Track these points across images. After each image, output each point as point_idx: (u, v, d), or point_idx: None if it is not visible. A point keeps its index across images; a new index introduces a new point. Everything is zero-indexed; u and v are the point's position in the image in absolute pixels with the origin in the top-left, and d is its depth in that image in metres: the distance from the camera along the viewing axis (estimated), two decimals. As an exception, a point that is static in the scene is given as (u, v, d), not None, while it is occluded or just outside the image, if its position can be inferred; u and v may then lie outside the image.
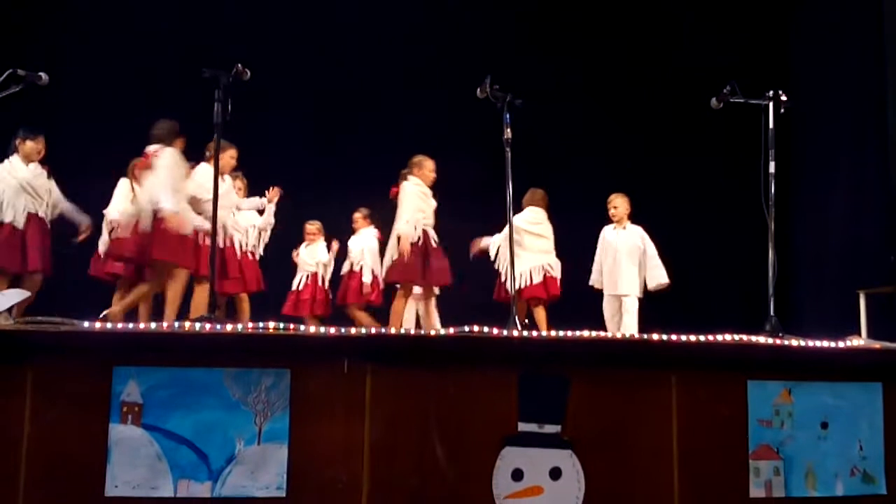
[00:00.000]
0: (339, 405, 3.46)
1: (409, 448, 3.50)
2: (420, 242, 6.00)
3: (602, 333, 3.82)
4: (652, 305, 6.46)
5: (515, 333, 3.91)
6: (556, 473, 3.54)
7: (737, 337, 3.88)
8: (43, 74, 4.78)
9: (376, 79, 8.12)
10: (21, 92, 4.68)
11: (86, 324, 3.41)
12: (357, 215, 7.40)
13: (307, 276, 7.34)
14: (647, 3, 8.51)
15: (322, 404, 3.43)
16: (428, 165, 6.23)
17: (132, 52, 7.68)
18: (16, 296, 3.70)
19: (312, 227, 7.44)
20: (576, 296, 6.62)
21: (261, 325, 3.58)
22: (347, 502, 3.39)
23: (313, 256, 7.40)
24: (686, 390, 3.74)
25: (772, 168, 4.62)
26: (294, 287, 7.35)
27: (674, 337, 3.75)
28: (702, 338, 3.77)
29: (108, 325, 3.41)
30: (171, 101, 6.70)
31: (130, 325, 3.52)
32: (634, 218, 6.68)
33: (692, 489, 3.67)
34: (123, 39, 7.72)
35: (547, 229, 6.64)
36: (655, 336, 3.75)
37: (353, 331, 3.66)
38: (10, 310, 3.61)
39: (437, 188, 6.29)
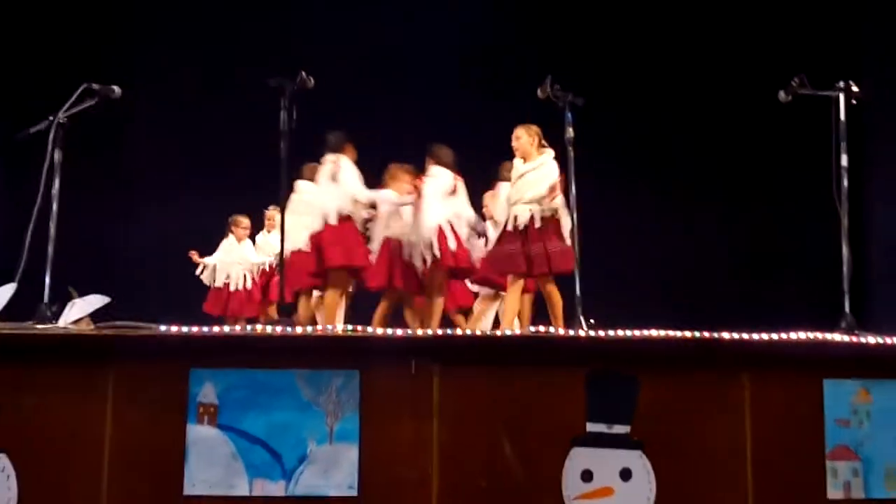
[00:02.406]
0: (407, 405, 3.50)
1: (477, 448, 3.51)
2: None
3: (671, 332, 3.75)
4: (723, 302, 6.35)
5: (583, 333, 3.88)
6: (626, 474, 3.50)
7: (811, 335, 3.78)
8: (116, 88, 4.95)
9: (436, 82, 8.17)
10: (95, 106, 4.85)
11: (163, 327, 3.53)
12: None
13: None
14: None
15: (391, 405, 3.48)
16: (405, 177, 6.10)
17: (200, 62, 7.89)
18: (96, 301, 3.85)
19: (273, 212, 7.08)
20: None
21: (330, 326, 3.65)
22: (418, 502, 3.42)
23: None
24: (759, 390, 3.67)
25: (844, 161, 4.49)
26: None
27: (745, 335, 3.67)
28: (774, 336, 3.69)
29: (185, 329, 3.51)
30: (237, 111, 6.86)
31: (206, 328, 3.62)
32: (707, 211, 6.47)
33: (767, 491, 3.59)
34: (192, 51, 7.94)
35: None
36: (727, 334, 3.68)
37: (419, 332, 3.70)
38: (91, 315, 3.75)
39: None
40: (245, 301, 7.16)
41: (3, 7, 8.33)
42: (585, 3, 8.41)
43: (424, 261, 5.75)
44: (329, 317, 5.56)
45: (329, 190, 5.68)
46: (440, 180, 5.88)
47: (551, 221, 5.43)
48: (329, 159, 5.80)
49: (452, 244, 5.72)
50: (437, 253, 5.72)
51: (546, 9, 8.33)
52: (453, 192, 5.86)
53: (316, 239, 5.64)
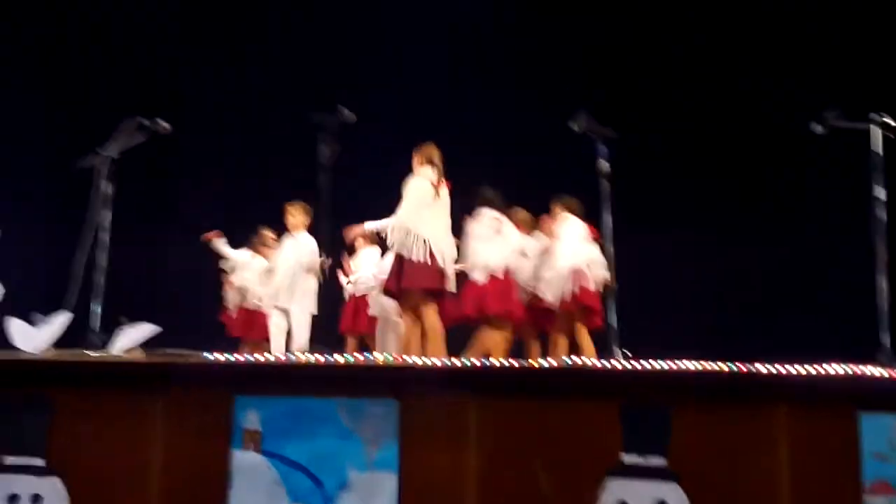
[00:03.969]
0: (445, 435, 3.56)
1: (514, 478, 3.56)
2: None
3: (707, 364, 3.78)
4: (759, 335, 6.32)
5: (618, 364, 3.93)
6: (661, 505, 3.52)
7: (848, 368, 3.78)
8: (164, 123, 5.14)
9: (470, 114, 8.29)
10: (146, 141, 5.04)
11: (209, 356, 3.64)
12: None
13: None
14: (744, 28, 8.41)
15: (429, 434, 3.54)
16: None
17: (244, 98, 8.11)
18: (147, 330, 3.98)
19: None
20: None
21: (370, 356, 3.74)
22: (456, 530, 3.47)
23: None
24: (796, 423, 3.67)
25: (881, 194, 4.50)
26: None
27: (782, 368, 3.69)
28: (811, 369, 3.70)
29: (231, 357, 3.62)
30: (280, 145, 7.04)
31: (250, 357, 3.73)
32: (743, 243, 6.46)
33: (805, 524, 3.59)
34: (236, 86, 8.16)
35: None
36: (762, 367, 3.70)
37: (457, 362, 3.77)
38: (141, 343, 3.88)
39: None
40: None
41: (58, 45, 8.66)
42: (620, 38, 8.50)
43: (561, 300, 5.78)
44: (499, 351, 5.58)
45: (493, 243, 5.63)
46: (577, 226, 5.97)
47: None
48: (489, 214, 5.71)
49: (591, 287, 5.73)
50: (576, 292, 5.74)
51: (581, 42, 8.44)
52: (587, 239, 5.92)
53: (477, 289, 5.53)
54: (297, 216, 6.27)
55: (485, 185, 5.90)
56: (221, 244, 6.77)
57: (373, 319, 6.42)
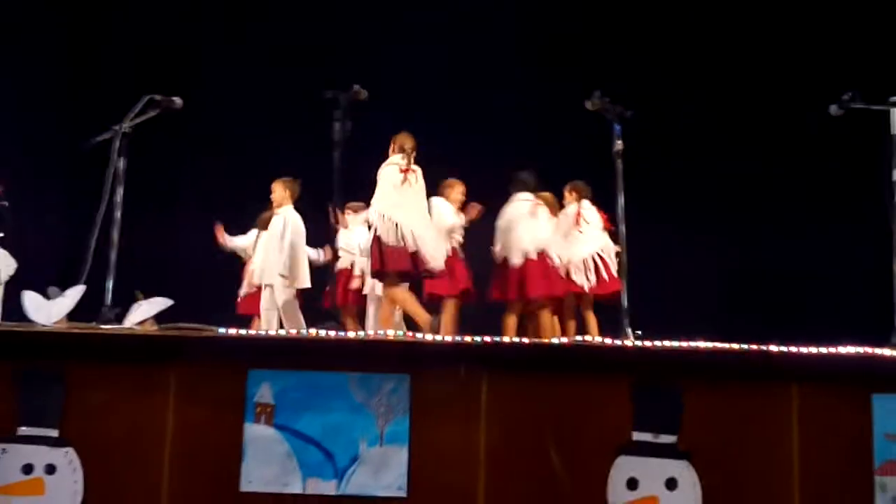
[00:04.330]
0: (456, 410, 3.58)
1: (524, 454, 3.58)
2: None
3: (719, 344, 3.78)
4: (771, 315, 6.30)
5: (629, 343, 3.93)
6: (671, 484, 3.53)
7: (860, 349, 3.77)
8: (177, 99, 5.14)
9: (485, 91, 8.26)
10: (158, 116, 5.05)
11: (222, 330, 3.67)
12: None
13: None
14: (760, 9, 8.33)
15: (440, 409, 3.56)
16: (458, 188, 6.27)
17: (256, 74, 8.11)
18: (160, 304, 4.01)
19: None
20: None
21: (381, 331, 3.75)
22: (465, 504, 3.49)
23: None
24: (807, 403, 3.67)
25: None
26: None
27: (794, 349, 3.68)
28: (823, 350, 3.69)
29: (243, 331, 3.64)
30: (292, 122, 7.03)
31: (263, 332, 3.75)
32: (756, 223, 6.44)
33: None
34: (248, 63, 8.15)
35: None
36: (775, 347, 3.69)
37: (468, 339, 3.78)
38: (154, 316, 3.91)
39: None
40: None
41: (72, 22, 8.66)
42: (634, 16, 8.43)
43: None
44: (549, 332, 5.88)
45: (529, 226, 5.93)
46: (593, 213, 6.26)
47: None
48: (525, 198, 6.03)
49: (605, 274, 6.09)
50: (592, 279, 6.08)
51: (595, 21, 8.38)
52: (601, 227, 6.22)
53: (518, 270, 5.84)
54: (277, 192, 6.36)
55: (521, 170, 6.14)
56: (229, 241, 6.83)
57: (358, 293, 6.56)
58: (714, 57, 8.17)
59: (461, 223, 6.23)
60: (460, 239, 6.32)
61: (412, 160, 5.54)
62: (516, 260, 5.84)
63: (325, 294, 6.28)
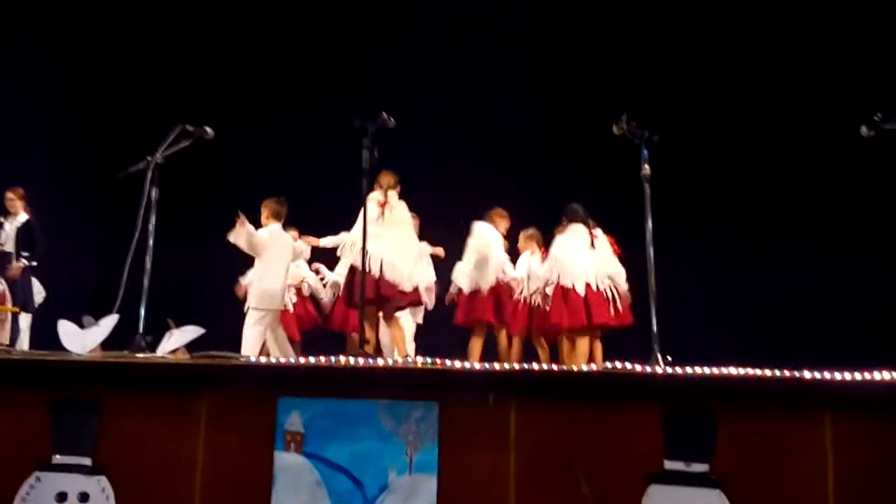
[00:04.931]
0: (485, 438, 3.56)
1: (554, 482, 3.54)
2: None
3: (751, 370, 3.73)
4: (804, 341, 6.22)
5: (659, 369, 3.89)
6: (704, 513, 3.47)
7: (894, 375, 3.69)
8: (209, 129, 5.23)
9: (510, 118, 8.30)
10: (190, 147, 5.14)
11: (252, 358, 3.69)
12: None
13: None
14: (789, 29, 8.29)
15: (469, 437, 3.54)
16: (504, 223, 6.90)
17: (286, 104, 8.22)
18: (192, 332, 4.05)
19: None
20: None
21: (409, 359, 3.75)
22: (495, 533, 3.47)
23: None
24: (842, 431, 3.59)
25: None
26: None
27: (828, 374, 3.62)
28: (858, 376, 3.62)
29: (272, 360, 3.66)
30: (320, 150, 7.12)
31: (292, 359, 3.77)
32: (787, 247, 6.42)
33: (851, 534, 3.51)
34: (277, 93, 8.28)
35: None
36: (808, 373, 3.63)
37: (497, 366, 3.77)
38: (186, 345, 3.96)
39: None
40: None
41: (103, 54, 8.85)
42: (661, 40, 8.44)
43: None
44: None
45: (589, 256, 6.31)
46: (604, 240, 6.52)
47: None
48: (580, 230, 6.39)
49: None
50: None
51: (621, 46, 8.40)
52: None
53: (581, 298, 6.21)
54: (262, 212, 6.55)
55: (572, 204, 6.43)
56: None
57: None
58: (742, 80, 8.15)
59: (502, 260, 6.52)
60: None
61: (388, 196, 5.99)
62: (580, 288, 6.15)
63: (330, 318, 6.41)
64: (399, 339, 6.10)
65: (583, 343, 6.30)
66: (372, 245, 5.49)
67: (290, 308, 7.15)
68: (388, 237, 5.84)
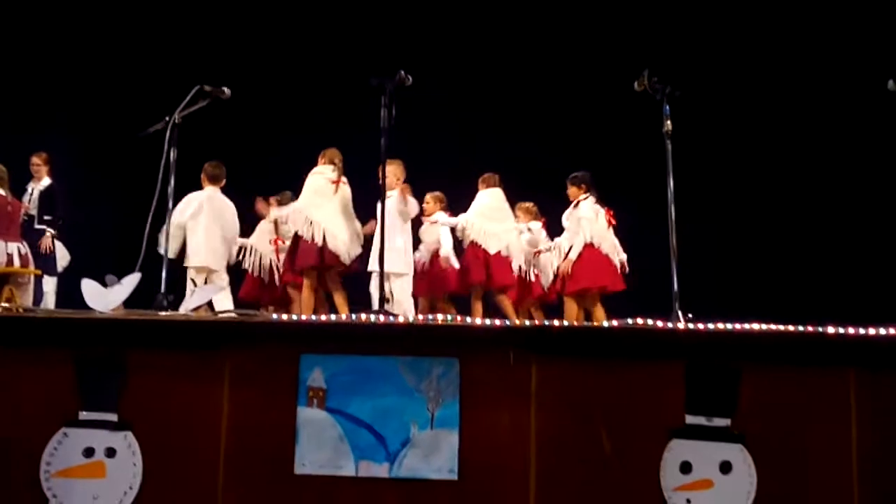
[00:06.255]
0: (506, 394, 3.57)
1: (575, 438, 3.56)
2: None
3: (774, 326, 3.71)
4: (829, 296, 6.17)
5: (681, 325, 3.88)
6: (726, 467, 3.49)
7: (921, 330, 3.66)
8: (226, 89, 5.21)
9: (532, 75, 8.21)
10: (207, 106, 5.13)
11: (274, 315, 3.71)
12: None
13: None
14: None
15: (490, 393, 3.56)
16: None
17: (301, 63, 8.17)
18: (213, 290, 4.08)
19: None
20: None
21: (430, 316, 3.76)
22: (517, 489, 3.50)
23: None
24: (865, 387, 3.58)
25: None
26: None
27: (852, 330, 3.59)
28: (882, 331, 3.59)
29: (295, 317, 3.68)
30: (338, 109, 7.08)
31: (314, 317, 3.79)
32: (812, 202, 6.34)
33: (873, 491, 3.50)
34: (293, 52, 8.23)
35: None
36: (832, 329, 3.61)
37: (517, 322, 3.77)
38: (208, 302, 3.98)
39: (596, 179, 6.35)
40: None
41: (118, 16, 8.82)
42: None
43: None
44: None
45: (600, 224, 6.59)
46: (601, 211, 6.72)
47: None
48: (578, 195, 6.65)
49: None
50: None
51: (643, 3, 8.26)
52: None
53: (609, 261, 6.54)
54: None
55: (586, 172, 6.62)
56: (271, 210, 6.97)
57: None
58: (766, 34, 7.99)
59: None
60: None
61: (341, 172, 6.31)
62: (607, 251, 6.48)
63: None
64: (342, 304, 6.23)
65: (599, 307, 6.52)
66: (317, 215, 6.04)
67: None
68: (333, 210, 6.19)
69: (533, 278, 7.17)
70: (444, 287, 7.03)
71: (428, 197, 7.15)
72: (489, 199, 6.95)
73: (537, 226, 7.33)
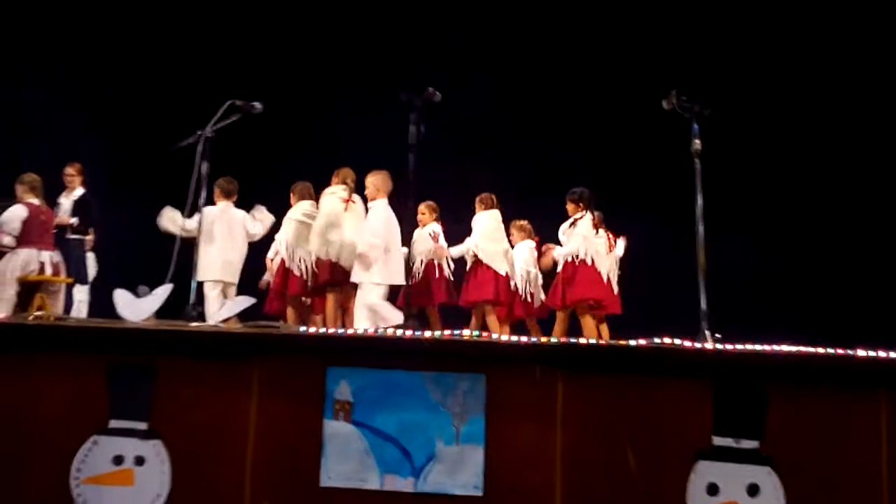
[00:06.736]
0: (532, 411, 3.57)
1: (600, 456, 3.54)
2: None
3: (803, 348, 3.67)
4: (858, 319, 6.09)
5: (708, 345, 3.85)
6: (753, 490, 3.45)
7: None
8: (257, 104, 5.29)
9: (560, 92, 8.22)
10: (239, 121, 5.20)
11: (302, 328, 3.74)
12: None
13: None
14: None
15: (516, 409, 3.56)
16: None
17: (330, 79, 8.26)
18: (244, 302, 4.12)
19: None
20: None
21: (456, 332, 3.77)
22: (541, 506, 3.48)
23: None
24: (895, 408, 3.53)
25: None
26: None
27: (882, 353, 3.55)
28: (913, 354, 3.55)
29: (321, 330, 3.71)
30: (367, 124, 7.14)
31: (341, 330, 3.81)
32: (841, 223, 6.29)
33: (905, 515, 3.45)
34: (323, 68, 8.31)
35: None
36: (861, 351, 3.57)
37: (543, 339, 3.77)
38: (238, 315, 4.03)
39: (624, 198, 6.32)
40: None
41: (153, 29, 8.97)
42: (711, 12, 8.27)
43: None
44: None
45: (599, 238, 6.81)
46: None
47: None
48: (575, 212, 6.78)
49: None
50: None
51: (671, 18, 8.25)
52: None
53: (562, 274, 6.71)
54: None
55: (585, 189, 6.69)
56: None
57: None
58: (796, 51, 7.94)
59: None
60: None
61: (352, 190, 6.48)
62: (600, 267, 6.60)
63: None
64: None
65: (604, 327, 6.73)
66: (333, 235, 6.25)
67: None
68: (348, 229, 6.34)
69: (529, 298, 7.23)
70: (436, 297, 7.05)
71: (422, 207, 7.19)
72: (490, 221, 7.11)
73: (530, 244, 7.36)
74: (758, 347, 3.65)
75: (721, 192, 6.50)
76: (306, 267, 6.54)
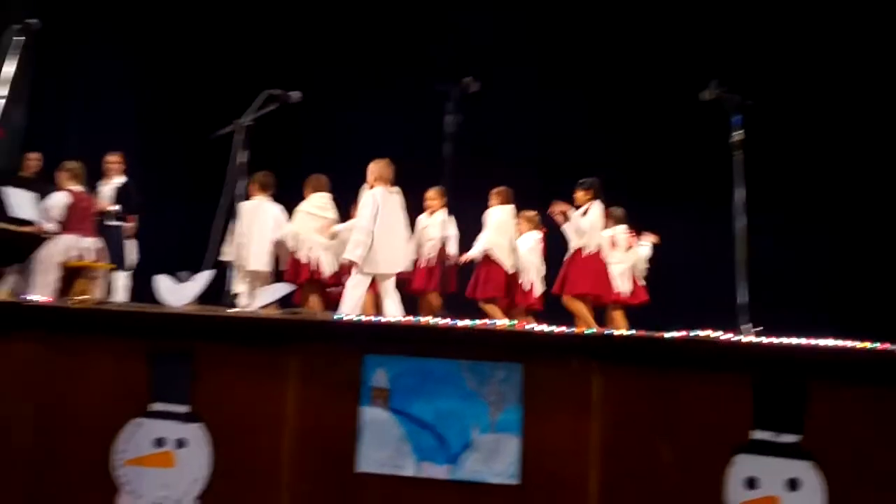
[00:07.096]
0: (568, 401, 3.56)
1: (637, 448, 3.52)
2: None
3: (844, 342, 3.61)
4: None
5: (747, 338, 3.81)
6: (793, 484, 3.40)
7: None
8: (294, 93, 5.33)
9: (599, 81, 8.16)
10: (277, 110, 5.25)
11: (337, 315, 3.77)
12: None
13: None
14: None
15: (552, 399, 3.55)
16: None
17: (369, 68, 8.28)
18: (283, 289, 4.16)
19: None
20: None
21: (491, 321, 3.77)
22: (578, 497, 3.48)
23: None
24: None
25: None
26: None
27: (926, 348, 3.48)
28: (958, 349, 3.47)
29: (358, 317, 3.73)
30: (404, 114, 7.15)
31: (377, 318, 3.84)
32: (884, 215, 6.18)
33: (949, 514, 3.39)
34: (360, 56, 8.34)
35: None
36: (905, 346, 3.50)
37: (580, 329, 3.76)
38: (276, 301, 4.07)
39: (662, 188, 6.28)
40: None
41: (192, 23, 9.07)
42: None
43: None
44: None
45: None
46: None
47: None
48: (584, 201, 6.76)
49: None
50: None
51: (710, 6, 8.15)
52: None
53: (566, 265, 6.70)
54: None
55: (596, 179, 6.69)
56: None
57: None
58: (839, 41, 7.80)
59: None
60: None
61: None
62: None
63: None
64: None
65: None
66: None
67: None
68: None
69: (529, 287, 7.18)
70: (449, 285, 7.00)
71: (431, 192, 7.11)
72: (505, 215, 7.07)
73: (537, 236, 7.30)
74: (798, 341, 3.60)
75: (761, 184, 6.46)
76: (315, 258, 6.52)
